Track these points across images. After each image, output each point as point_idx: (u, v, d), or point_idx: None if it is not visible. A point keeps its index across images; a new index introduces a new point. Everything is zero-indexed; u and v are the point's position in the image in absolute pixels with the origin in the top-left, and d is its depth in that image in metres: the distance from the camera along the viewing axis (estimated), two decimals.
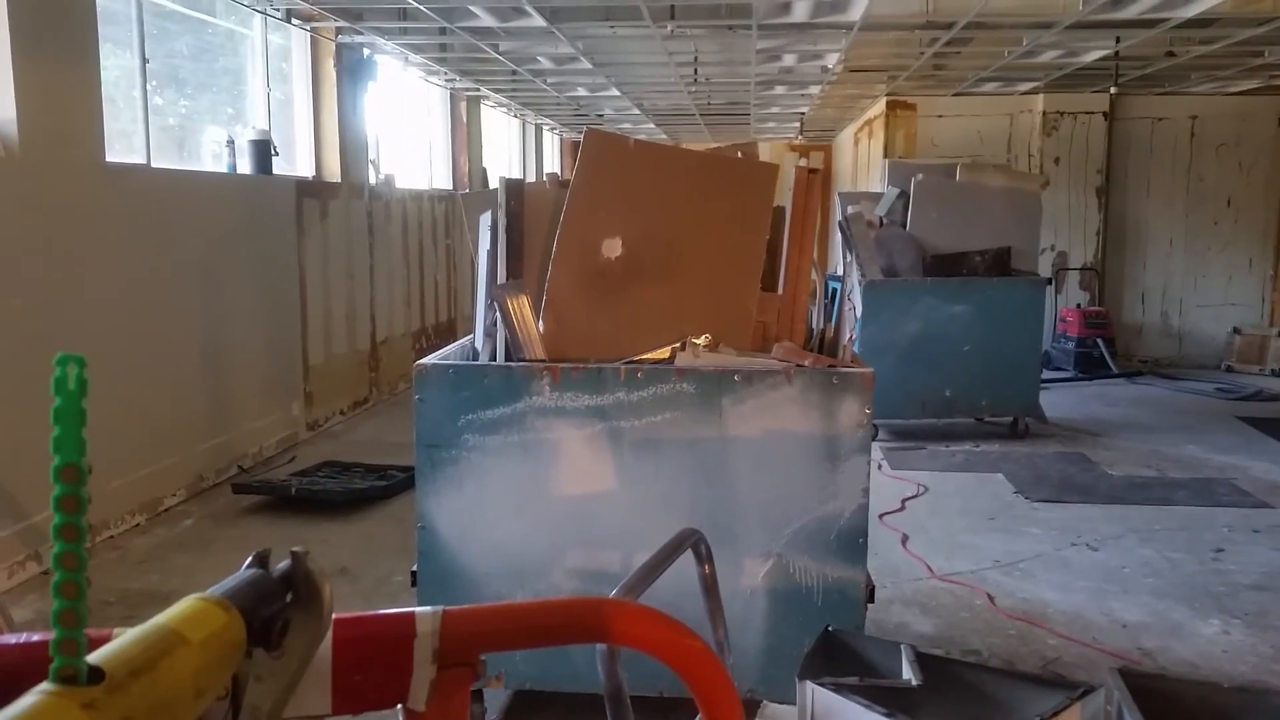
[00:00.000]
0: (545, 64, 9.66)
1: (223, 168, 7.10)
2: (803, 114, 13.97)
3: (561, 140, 18.75)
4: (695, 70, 10.14)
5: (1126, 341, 11.37)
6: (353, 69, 8.76)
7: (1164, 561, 5.07)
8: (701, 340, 3.17)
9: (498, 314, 3.21)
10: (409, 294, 10.11)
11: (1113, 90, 9.72)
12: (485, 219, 3.65)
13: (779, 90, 11.29)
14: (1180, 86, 10.67)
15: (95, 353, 5.19)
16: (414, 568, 3.20)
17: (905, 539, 5.37)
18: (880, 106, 11.89)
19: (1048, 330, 10.06)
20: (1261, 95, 10.97)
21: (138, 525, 5.56)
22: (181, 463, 6.09)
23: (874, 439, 7.51)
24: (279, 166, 7.56)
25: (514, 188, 3.44)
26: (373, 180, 9.22)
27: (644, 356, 3.18)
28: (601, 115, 14.53)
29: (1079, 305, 11.12)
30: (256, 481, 6.20)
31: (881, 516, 5.70)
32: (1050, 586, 4.75)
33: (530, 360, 3.13)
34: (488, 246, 3.57)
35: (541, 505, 3.12)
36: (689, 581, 2.13)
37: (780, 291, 3.34)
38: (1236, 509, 5.97)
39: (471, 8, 7.15)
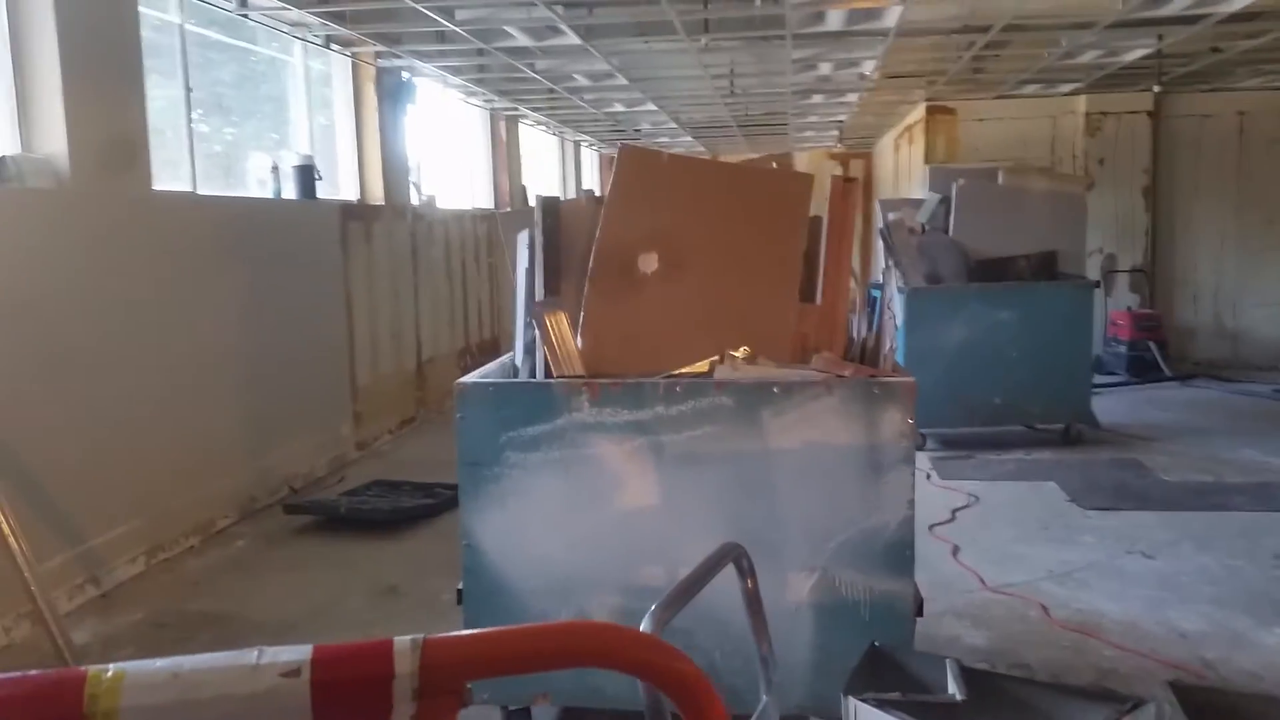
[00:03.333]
0: (582, 81, 9.73)
1: (268, 193, 7.22)
2: (841, 122, 13.92)
3: (600, 156, 18.84)
4: (731, 82, 10.15)
5: (1180, 344, 11.14)
6: (393, 92, 8.88)
7: (1222, 569, 4.95)
8: (740, 353, 3.15)
9: (536, 331, 3.23)
10: (453, 313, 10.20)
11: (1156, 89, 9.56)
12: (523, 237, 3.67)
13: (816, 99, 11.26)
14: (1227, 82, 10.46)
15: (147, 377, 5.31)
16: (460, 585, 3.21)
17: (956, 550, 5.29)
18: (920, 112, 11.80)
19: (1098, 334, 9.89)
20: None
21: (191, 547, 5.65)
22: (234, 484, 6.18)
23: (922, 448, 7.44)
24: (323, 190, 7.68)
25: (550, 205, 3.46)
26: (415, 201, 9.33)
27: (682, 370, 3.17)
28: (639, 130, 14.59)
29: (1129, 308, 10.92)
30: (307, 502, 6.28)
31: (931, 528, 5.62)
32: (1105, 596, 4.65)
33: (569, 376, 3.14)
34: (525, 264, 3.59)
35: (583, 521, 3.12)
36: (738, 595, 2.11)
37: (819, 302, 3.32)
38: None
39: (507, 28, 7.22)
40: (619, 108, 11.83)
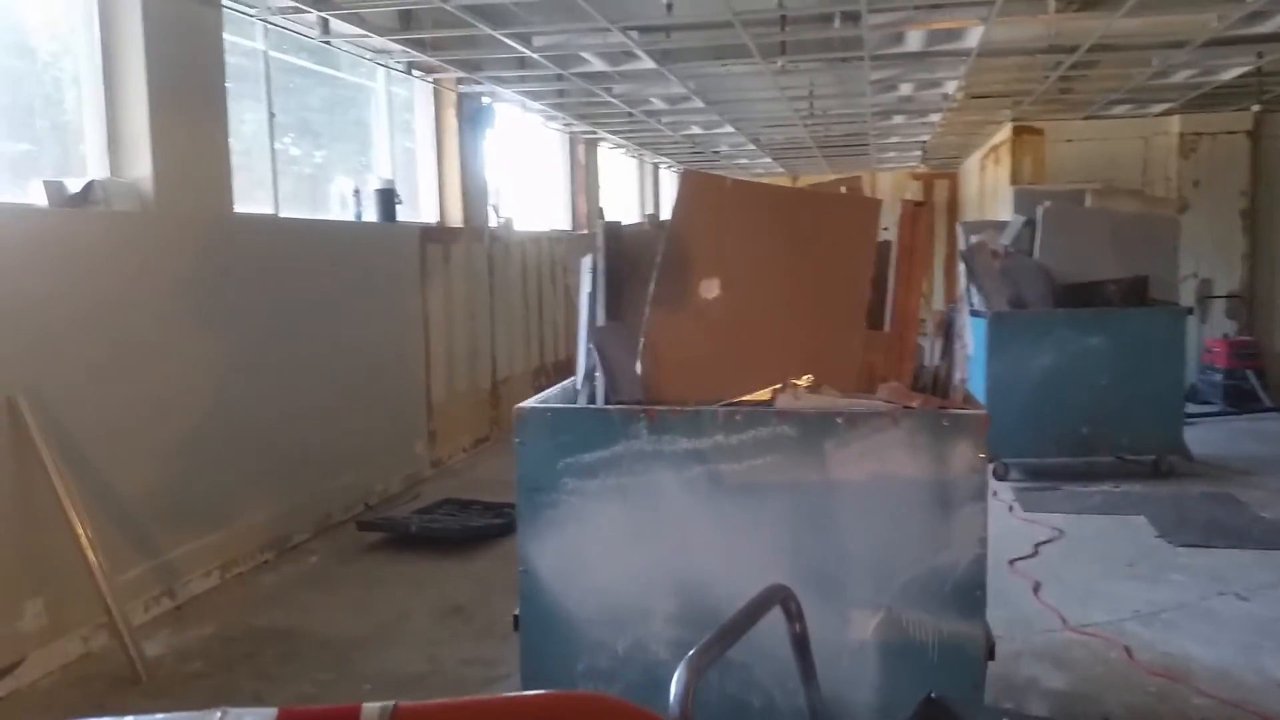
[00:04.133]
0: (659, 104, 9.74)
1: (350, 215, 7.37)
2: (924, 142, 13.67)
3: (679, 178, 18.85)
4: (810, 103, 10.05)
5: (1279, 373, 10.62)
6: (473, 117, 9.00)
7: None
8: (803, 381, 3.07)
9: (596, 357, 3.20)
10: (528, 333, 10.28)
11: (1256, 108, 9.16)
12: (586, 262, 3.65)
13: (898, 120, 11.08)
14: None
15: (226, 395, 5.45)
16: (516, 611, 3.18)
17: (1037, 587, 5.09)
18: (1006, 132, 11.53)
19: (1192, 362, 9.49)
20: None
21: (266, 562, 5.75)
22: (311, 501, 6.29)
23: (1005, 479, 7.22)
24: (403, 213, 7.81)
25: (612, 230, 3.43)
26: (493, 224, 9.43)
27: (743, 398, 3.10)
28: (718, 151, 14.55)
29: (1225, 335, 10.45)
30: (379, 519, 6.35)
31: (1012, 562, 5.43)
32: (1195, 640, 4.42)
33: (627, 403, 3.10)
34: (588, 289, 3.57)
35: (640, 550, 3.07)
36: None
37: (887, 329, 3.23)
38: None
39: (584, 54, 7.26)
40: (696, 130, 11.81)
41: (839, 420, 2.92)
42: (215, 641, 4.63)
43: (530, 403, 3.22)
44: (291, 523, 6.09)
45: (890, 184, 18.41)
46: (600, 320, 3.31)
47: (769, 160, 15.54)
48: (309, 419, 6.33)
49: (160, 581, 4.95)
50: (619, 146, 13.85)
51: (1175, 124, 10.59)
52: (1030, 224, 7.63)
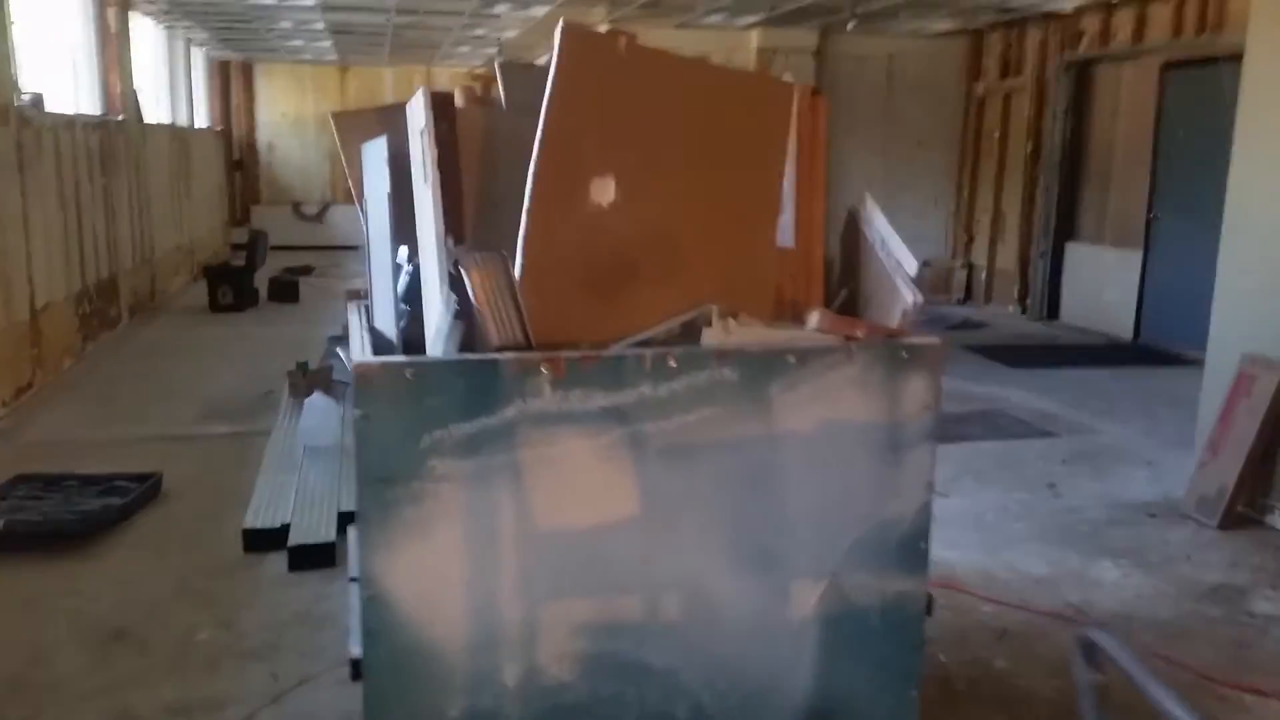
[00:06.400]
0: None
1: None
2: (502, 40, 13.05)
3: (211, 62, 16.31)
4: None
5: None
6: None
7: (1015, 504, 5.07)
8: (716, 309, 2.45)
9: (459, 288, 2.27)
10: (68, 247, 8.14)
11: (851, 26, 9.79)
12: (376, 148, 2.64)
13: (500, 8, 10.33)
14: (885, 25, 11.01)
15: None
16: (355, 654, 2.23)
17: None
18: None
19: None
20: (952, 38, 11.65)
21: None
22: None
23: None
24: None
25: (443, 103, 2.48)
26: (18, 101, 7.20)
27: (644, 334, 2.40)
28: (271, 29, 12.70)
29: None
30: None
31: None
32: (937, 544, 4.54)
33: (513, 347, 2.24)
34: (387, 189, 2.58)
35: (540, 546, 2.28)
36: None
37: (791, 244, 2.69)
38: (1031, 440, 6.17)
39: None
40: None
41: (790, 359, 2.35)
42: None
43: (368, 356, 2.22)
44: None
45: (448, 82, 17.56)
46: (438, 233, 2.36)
47: (326, 45, 13.92)
48: None
49: None
50: (149, 14, 11.47)
51: (755, 38, 11.06)
52: None
